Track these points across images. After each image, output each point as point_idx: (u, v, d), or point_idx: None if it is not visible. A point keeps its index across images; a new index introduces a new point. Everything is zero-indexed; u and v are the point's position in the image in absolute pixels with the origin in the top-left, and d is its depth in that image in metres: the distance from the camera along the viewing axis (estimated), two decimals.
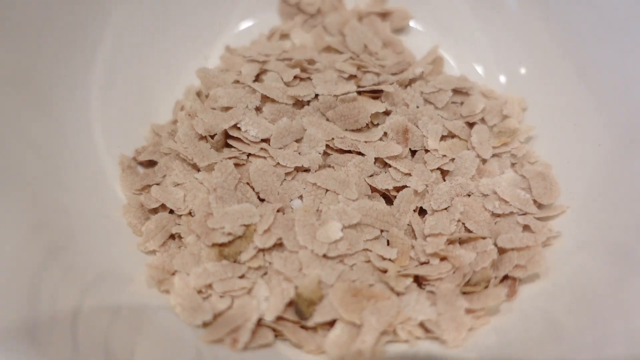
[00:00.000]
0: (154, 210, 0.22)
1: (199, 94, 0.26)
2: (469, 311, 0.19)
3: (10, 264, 0.16)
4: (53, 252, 0.18)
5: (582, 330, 0.17)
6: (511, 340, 0.18)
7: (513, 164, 0.24)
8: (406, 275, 0.20)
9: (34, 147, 0.20)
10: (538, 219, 0.21)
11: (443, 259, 0.20)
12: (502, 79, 0.27)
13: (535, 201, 0.22)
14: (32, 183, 0.19)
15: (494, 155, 0.24)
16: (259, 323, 0.19)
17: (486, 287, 0.19)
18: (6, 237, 0.17)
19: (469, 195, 0.22)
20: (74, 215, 0.20)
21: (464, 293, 0.19)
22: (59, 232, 0.18)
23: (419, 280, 0.20)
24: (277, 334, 0.19)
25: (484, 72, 0.28)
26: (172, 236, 0.22)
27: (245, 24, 0.29)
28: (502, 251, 0.20)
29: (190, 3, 0.27)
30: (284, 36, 0.29)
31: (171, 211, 0.22)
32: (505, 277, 0.20)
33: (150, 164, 0.24)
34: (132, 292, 0.18)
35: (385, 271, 0.20)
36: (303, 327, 0.19)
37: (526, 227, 0.21)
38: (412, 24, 0.30)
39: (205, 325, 0.18)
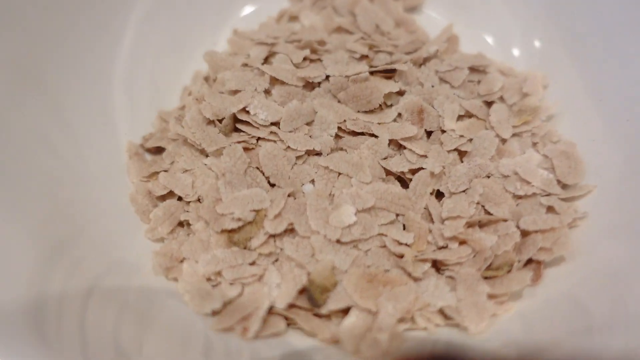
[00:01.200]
0: (162, 198, 0.22)
1: (206, 78, 0.25)
2: (491, 296, 0.18)
3: (19, 256, 0.16)
4: (63, 244, 0.17)
5: (611, 317, 0.16)
6: (536, 327, 0.17)
7: (534, 144, 0.23)
8: (424, 260, 0.19)
9: (42, 139, 0.19)
10: (563, 199, 0.20)
11: (462, 242, 0.19)
12: (517, 52, 0.26)
13: (559, 181, 0.21)
14: (40, 176, 0.19)
15: (514, 135, 0.23)
16: (271, 311, 0.18)
17: (509, 271, 0.18)
18: (16, 230, 0.17)
19: (489, 177, 0.21)
20: (82, 207, 0.19)
21: (486, 278, 0.19)
22: (69, 225, 0.18)
23: (437, 266, 0.19)
24: (290, 323, 0.18)
25: (500, 48, 0.27)
26: (181, 223, 0.21)
27: (252, 8, 0.29)
28: (525, 234, 0.19)
29: None
30: (293, 18, 0.28)
31: (179, 198, 0.22)
32: (529, 261, 0.19)
33: (158, 150, 0.24)
34: (141, 282, 0.18)
35: (401, 256, 0.19)
36: (316, 314, 0.18)
37: (550, 209, 0.20)
38: (425, 3, 0.29)
39: (215, 313, 0.18)
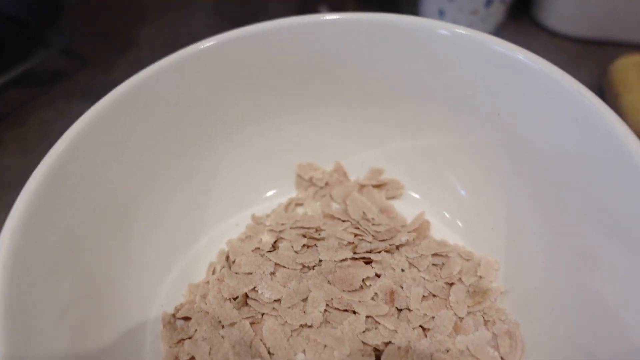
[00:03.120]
0: None
1: (227, 257, 0.32)
2: None
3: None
4: None
5: None
6: None
7: (486, 322, 0.28)
8: None
9: (94, 298, 0.26)
10: None
11: None
12: (479, 238, 0.32)
13: (502, 358, 0.26)
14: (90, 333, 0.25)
15: (469, 313, 0.28)
16: None
17: None
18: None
19: (447, 351, 0.26)
20: None
21: None
22: None
23: None
24: None
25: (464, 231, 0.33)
26: None
27: (269, 193, 0.37)
28: None
29: (227, 183, 0.35)
30: (298, 205, 0.36)
31: None
32: None
33: (186, 319, 0.30)
34: None
35: None
36: None
37: None
38: (405, 191, 0.36)
39: None
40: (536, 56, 0.27)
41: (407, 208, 0.35)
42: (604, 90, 0.41)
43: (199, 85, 0.31)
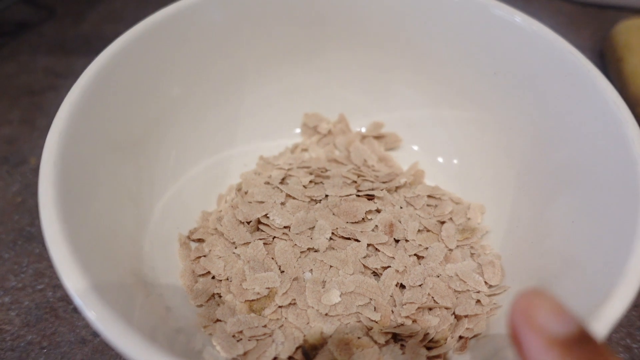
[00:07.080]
0: (202, 276, 0.30)
1: (238, 190, 0.34)
2: (428, 358, 0.25)
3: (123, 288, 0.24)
4: (141, 287, 0.25)
5: None
6: None
7: (472, 254, 0.31)
8: (386, 333, 0.27)
9: (134, 221, 0.28)
10: (487, 295, 0.28)
11: (414, 321, 0.27)
12: (469, 187, 0.36)
13: (486, 282, 0.29)
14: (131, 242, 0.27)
15: (457, 247, 0.31)
16: None
17: (444, 343, 0.26)
18: (119, 269, 0.24)
19: (438, 276, 0.30)
20: (152, 271, 0.27)
21: (428, 348, 0.26)
22: (145, 277, 0.26)
23: (395, 336, 0.27)
24: None
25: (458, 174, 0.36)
26: (213, 295, 0.29)
27: (276, 141, 0.39)
28: (458, 318, 0.27)
29: (240, 130, 0.37)
30: (304, 150, 0.38)
31: (213, 277, 0.30)
32: (460, 337, 0.27)
33: (200, 240, 0.32)
34: (188, 331, 0.25)
35: (371, 328, 0.27)
36: None
37: (478, 302, 0.28)
38: (402, 143, 0.39)
39: (238, 356, 0.25)
40: (532, 19, 0.30)
41: (405, 158, 0.38)
42: (606, 54, 0.41)
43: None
